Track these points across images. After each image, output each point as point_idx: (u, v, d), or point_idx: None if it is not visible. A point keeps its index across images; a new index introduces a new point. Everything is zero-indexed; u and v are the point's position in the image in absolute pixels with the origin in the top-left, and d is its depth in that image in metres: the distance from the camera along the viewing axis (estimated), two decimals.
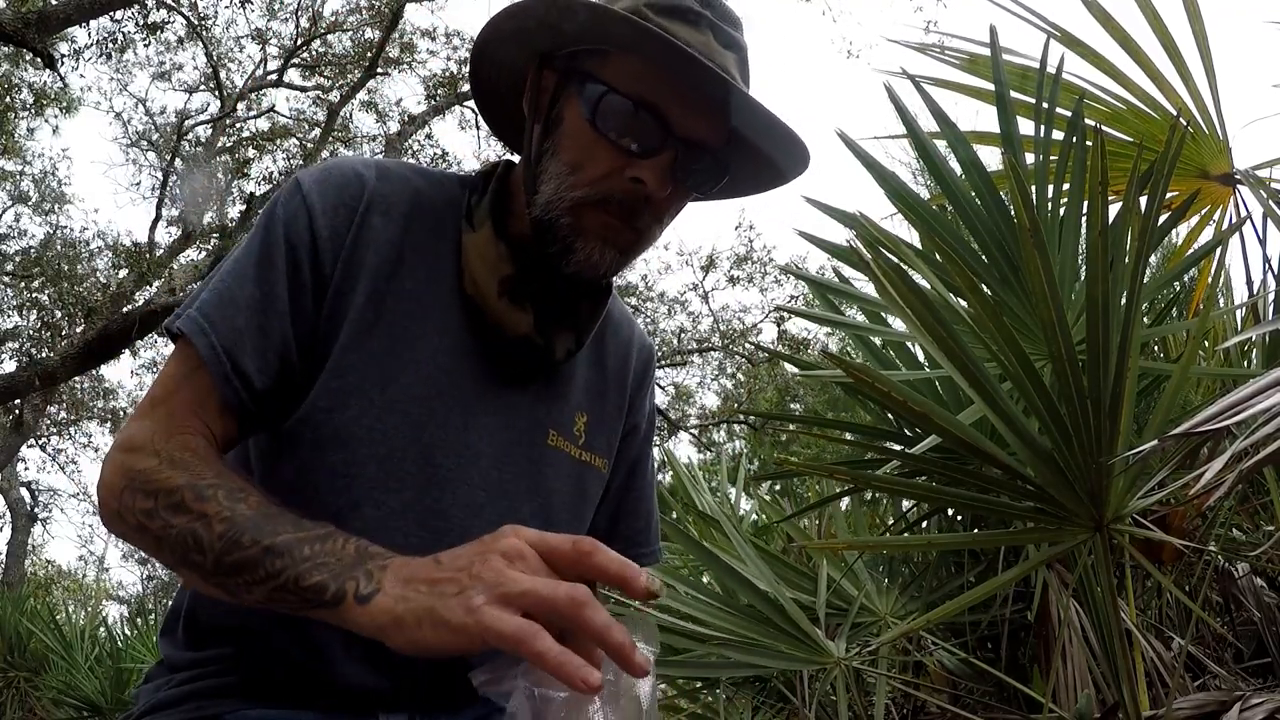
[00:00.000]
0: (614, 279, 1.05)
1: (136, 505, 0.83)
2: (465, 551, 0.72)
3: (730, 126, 0.97)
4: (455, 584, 0.70)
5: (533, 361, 1.01)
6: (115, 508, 0.85)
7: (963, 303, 1.94)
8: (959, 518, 2.40)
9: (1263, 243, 2.25)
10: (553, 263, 0.96)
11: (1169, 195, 2.39)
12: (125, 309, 9.40)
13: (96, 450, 15.33)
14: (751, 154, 1.01)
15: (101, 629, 6.48)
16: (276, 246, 0.93)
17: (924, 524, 2.55)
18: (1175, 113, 2.31)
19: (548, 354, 1.00)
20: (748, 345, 12.81)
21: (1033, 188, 2.05)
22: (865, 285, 2.44)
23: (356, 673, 0.92)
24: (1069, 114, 2.13)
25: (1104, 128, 2.38)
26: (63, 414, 14.48)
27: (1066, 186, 2.07)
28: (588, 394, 1.10)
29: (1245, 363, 2.39)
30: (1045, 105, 2.18)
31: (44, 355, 9.84)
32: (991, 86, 2.24)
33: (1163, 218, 2.22)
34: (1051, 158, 2.14)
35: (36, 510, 15.51)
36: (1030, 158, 2.18)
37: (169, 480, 0.82)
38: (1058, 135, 2.19)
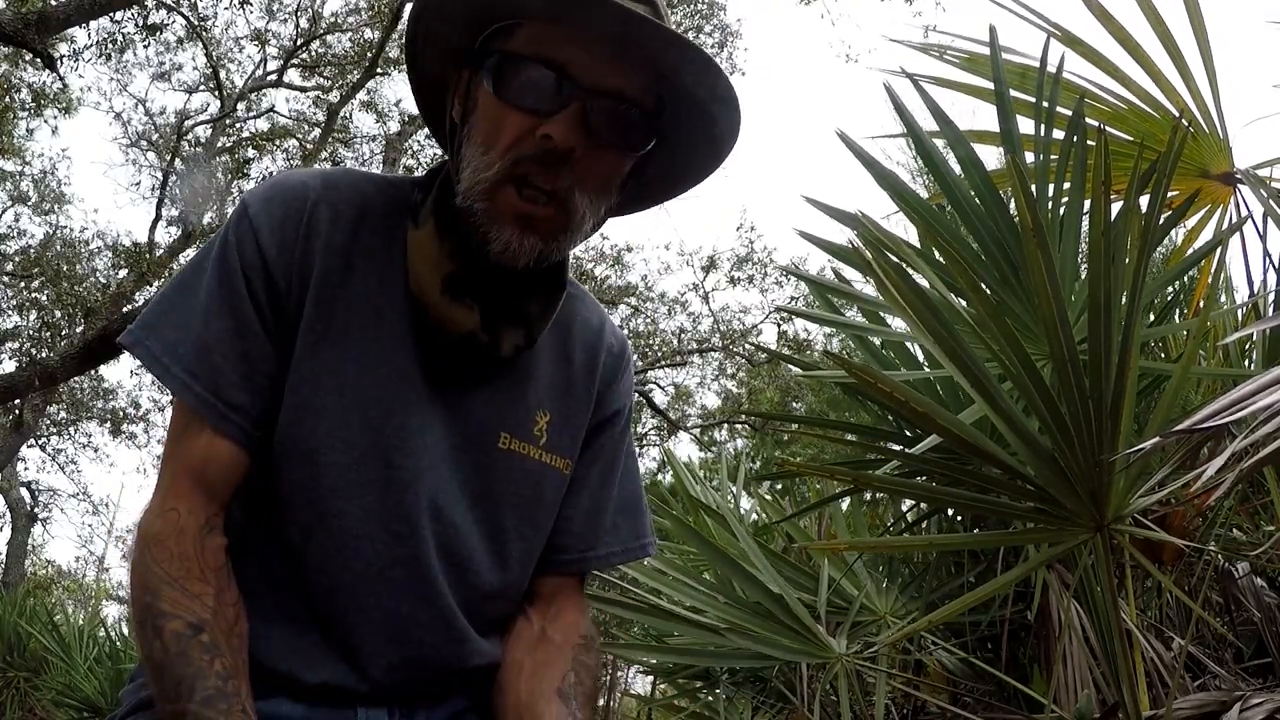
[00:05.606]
0: (569, 274, 1.05)
1: (137, 605, 0.90)
2: None
3: (650, 70, 0.93)
4: None
5: (478, 359, 0.99)
6: (133, 598, 0.91)
7: (963, 302, 1.94)
8: (959, 518, 2.40)
9: (1263, 238, 2.25)
10: (480, 256, 0.95)
11: (1169, 194, 2.38)
12: (125, 309, 9.40)
13: (96, 450, 15.35)
14: (685, 109, 0.96)
15: (101, 629, 6.47)
16: (234, 274, 0.95)
17: (924, 524, 2.55)
18: (1176, 112, 2.31)
19: (493, 351, 0.98)
20: (748, 346, 12.79)
21: (1032, 186, 2.05)
22: (864, 286, 2.44)
23: (335, 674, 0.95)
24: (1069, 113, 2.12)
25: (1105, 127, 2.37)
26: (63, 414, 14.47)
27: (1067, 185, 2.06)
28: (551, 391, 1.08)
29: (1245, 363, 2.39)
30: (1045, 104, 2.17)
31: (44, 355, 9.83)
32: (991, 85, 2.23)
33: (1163, 217, 2.21)
34: (1052, 157, 2.13)
35: (36, 510, 15.49)
36: (1030, 156, 2.17)
37: (162, 622, 0.88)
38: (1058, 134, 2.19)
